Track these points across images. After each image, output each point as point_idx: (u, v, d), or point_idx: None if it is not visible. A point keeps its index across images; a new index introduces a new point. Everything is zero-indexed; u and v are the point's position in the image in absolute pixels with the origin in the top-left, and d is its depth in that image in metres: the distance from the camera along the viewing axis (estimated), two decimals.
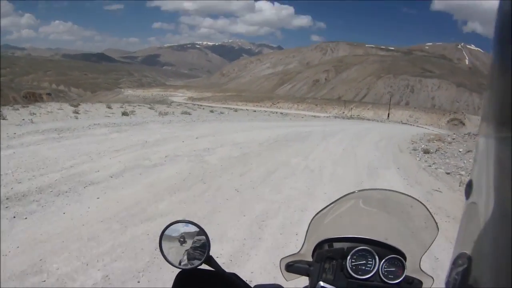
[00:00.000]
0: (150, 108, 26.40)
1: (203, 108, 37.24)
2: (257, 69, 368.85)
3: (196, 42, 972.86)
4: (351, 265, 1.24)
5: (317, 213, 1.35)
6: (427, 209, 1.27)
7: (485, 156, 0.52)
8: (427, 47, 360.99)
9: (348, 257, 1.24)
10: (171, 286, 1.17)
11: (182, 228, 1.21)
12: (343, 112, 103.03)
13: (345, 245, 1.29)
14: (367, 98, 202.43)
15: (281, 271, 1.40)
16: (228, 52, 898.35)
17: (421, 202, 1.29)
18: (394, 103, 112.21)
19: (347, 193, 1.33)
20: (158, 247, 1.19)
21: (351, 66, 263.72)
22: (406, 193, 1.32)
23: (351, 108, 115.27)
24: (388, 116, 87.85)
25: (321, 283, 1.17)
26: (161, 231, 1.20)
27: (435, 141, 20.40)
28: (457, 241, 0.67)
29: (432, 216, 1.27)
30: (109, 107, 22.41)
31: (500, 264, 0.46)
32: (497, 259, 0.47)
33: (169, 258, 1.17)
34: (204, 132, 15.00)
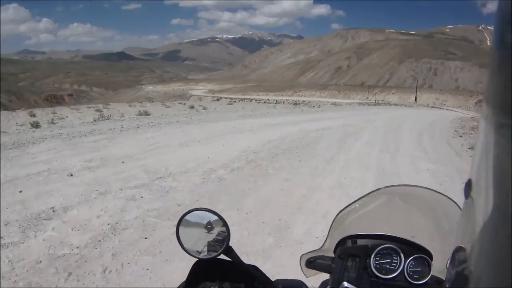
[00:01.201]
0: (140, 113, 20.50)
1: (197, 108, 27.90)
2: (278, 59, 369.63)
3: (216, 36, 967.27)
4: (375, 263, 1.20)
5: (341, 210, 1.34)
6: (457, 205, 1.21)
7: (484, 151, 0.52)
8: (447, 30, 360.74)
9: (372, 255, 1.20)
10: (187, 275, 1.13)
11: (201, 216, 1.16)
12: (367, 98, 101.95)
13: (369, 242, 1.24)
14: (390, 83, 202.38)
15: (301, 267, 1.37)
16: (249, 44, 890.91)
17: (453, 201, 1.23)
18: (418, 86, 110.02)
19: (373, 190, 1.29)
20: (175, 234, 1.13)
21: (372, 52, 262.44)
22: (437, 190, 1.27)
23: (375, 93, 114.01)
24: (416, 99, 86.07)
25: (345, 283, 1.14)
26: (179, 217, 1.14)
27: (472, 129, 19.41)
28: (456, 239, 0.67)
29: None
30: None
31: (499, 263, 0.46)
32: (496, 258, 0.48)
33: (186, 246, 1.11)
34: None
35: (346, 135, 14.84)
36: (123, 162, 8.64)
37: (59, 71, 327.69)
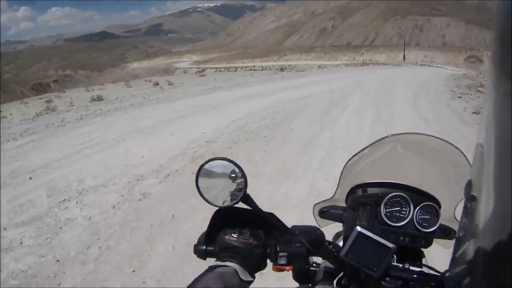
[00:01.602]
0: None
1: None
2: (262, 24, 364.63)
3: (197, 6, 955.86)
4: (385, 211, 1.24)
5: (351, 158, 1.37)
6: (465, 157, 1.24)
7: (491, 118, 0.51)
8: None
9: (382, 204, 1.24)
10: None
11: (220, 166, 1.19)
12: (354, 58, 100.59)
13: (379, 190, 1.29)
14: (376, 42, 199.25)
15: (314, 217, 1.43)
16: (231, 11, 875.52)
17: (459, 149, 1.26)
18: (405, 44, 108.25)
19: (381, 137, 1.33)
20: (195, 184, 1.15)
21: (356, 11, 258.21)
22: (445, 139, 1.30)
23: (362, 53, 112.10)
24: (404, 58, 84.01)
25: (358, 228, 1.14)
26: (198, 168, 1.17)
27: (478, 87, 17.64)
28: (457, 240, 0.68)
29: (470, 164, 1.16)
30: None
31: (500, 263, 0.47)
32: (497, 258, 0.48)
33: (206, 196, 1.14)
34: None
35: (331, 104, 12.80)
36: (30, 178, 6.58)
37: (42, 58, 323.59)
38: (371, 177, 1.31)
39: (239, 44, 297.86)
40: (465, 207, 0.65)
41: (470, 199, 0.61)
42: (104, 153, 7.76)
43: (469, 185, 0.61)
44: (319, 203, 1.39)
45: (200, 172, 1.13)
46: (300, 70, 37.64)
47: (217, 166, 1.15)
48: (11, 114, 14.27)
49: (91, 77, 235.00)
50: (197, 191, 1.11)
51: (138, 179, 6.02)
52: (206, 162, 1.14)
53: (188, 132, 9.05)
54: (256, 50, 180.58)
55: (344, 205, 1.33)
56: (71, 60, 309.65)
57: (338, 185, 1.37)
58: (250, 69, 46.26)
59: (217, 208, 1.14)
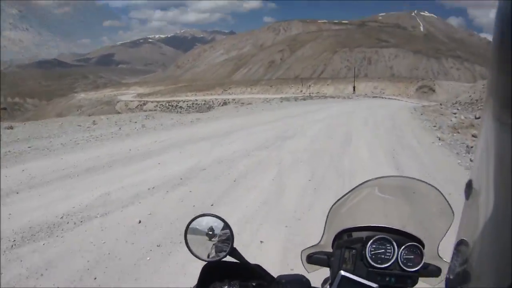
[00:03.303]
0: None
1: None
2: (211, 56, 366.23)
3: (149, 37, 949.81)
4: (370, 254, 1.25)
5: (335, 203, 1.38)
6: (442, 195, 1.27)
7: (485, 151, 0.51)
8: (380, 18, 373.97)
9: (367, 246, 1.26)
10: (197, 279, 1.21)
11: (206, 222, 1.25)
12: (301, 91, 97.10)
13: (363, 234, 1.31)
14: (324, 74, 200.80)
15: (302, 263, 1.45)
16: (182, 43, 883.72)
17: (436, 188, 1.29)
18: (353, 76, 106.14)
19: (363, 181, 1.35)
20: (184, 240, 1.22)
21: (305, 43, 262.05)
22: (421, 179, 1.34)
23: (309, 86, 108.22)
24: (354, 89, 79.79)
25: (342, 272, 1.18)
26: (186, 224, 1.23)
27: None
28: (459, 232, 0.69)
29: (448, 202, 1.27)
30: None
31: (500, 263, 0.47)
32: (497, 259, 0.48)
33: (194, 251, 1.20)
34: None
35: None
36: None
37: None
38: (355, 221, 1.34)
39: (188, 76, 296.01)
40: (464, 208, 0.65)
41: (469, 194, 0.61)
42: None
43: (469, 185, 0.61)
44: (306, 249, 1.41)
45: (188, 228, 1.20)
46: (230, 109, 31.43)
47: (204, 222, 1.21)
48: None
49: (39, 106, 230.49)
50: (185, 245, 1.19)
51: None
52: (194, 219, 1.21)
53: None
54: (201, 83, 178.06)
55: (331, 250, 1.36)
56: (21, 88, 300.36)
57: (324, 231, 1.38)
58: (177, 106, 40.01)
59: (205, 262, 1.19)
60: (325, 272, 1.35)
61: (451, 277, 0.69)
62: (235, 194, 6.54)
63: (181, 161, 8.88)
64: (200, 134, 12.96)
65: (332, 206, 1.35)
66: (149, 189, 6.69)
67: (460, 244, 0.64)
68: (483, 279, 0.53)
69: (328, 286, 1.25)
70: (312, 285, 1.23)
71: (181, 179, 7.30)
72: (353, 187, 1.31)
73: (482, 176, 0.54)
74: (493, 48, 0.49)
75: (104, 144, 11.45)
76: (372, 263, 1.21)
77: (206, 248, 1.20)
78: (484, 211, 0.52)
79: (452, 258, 0.69)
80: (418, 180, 1.30)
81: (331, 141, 11.50)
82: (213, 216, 1.21)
